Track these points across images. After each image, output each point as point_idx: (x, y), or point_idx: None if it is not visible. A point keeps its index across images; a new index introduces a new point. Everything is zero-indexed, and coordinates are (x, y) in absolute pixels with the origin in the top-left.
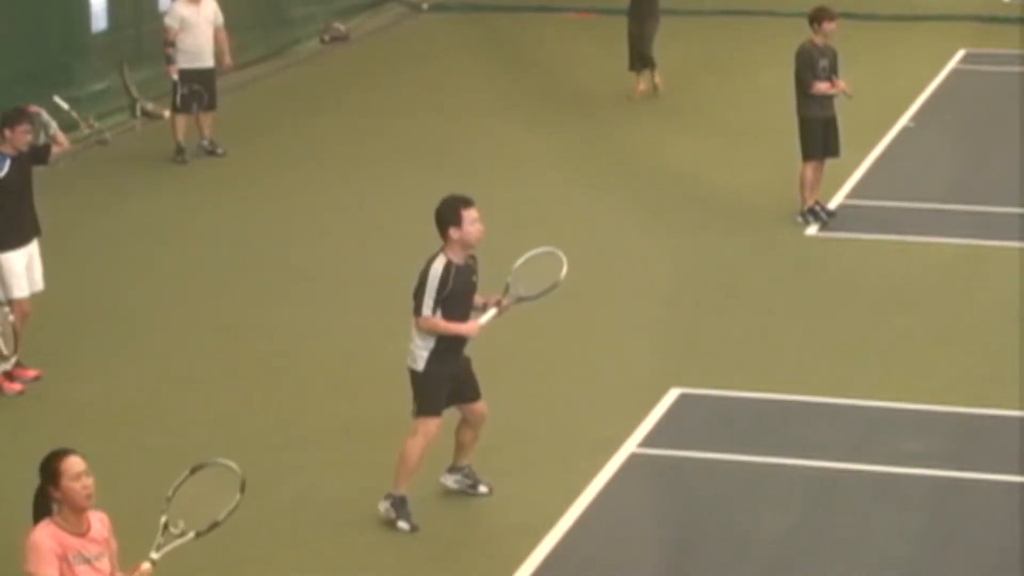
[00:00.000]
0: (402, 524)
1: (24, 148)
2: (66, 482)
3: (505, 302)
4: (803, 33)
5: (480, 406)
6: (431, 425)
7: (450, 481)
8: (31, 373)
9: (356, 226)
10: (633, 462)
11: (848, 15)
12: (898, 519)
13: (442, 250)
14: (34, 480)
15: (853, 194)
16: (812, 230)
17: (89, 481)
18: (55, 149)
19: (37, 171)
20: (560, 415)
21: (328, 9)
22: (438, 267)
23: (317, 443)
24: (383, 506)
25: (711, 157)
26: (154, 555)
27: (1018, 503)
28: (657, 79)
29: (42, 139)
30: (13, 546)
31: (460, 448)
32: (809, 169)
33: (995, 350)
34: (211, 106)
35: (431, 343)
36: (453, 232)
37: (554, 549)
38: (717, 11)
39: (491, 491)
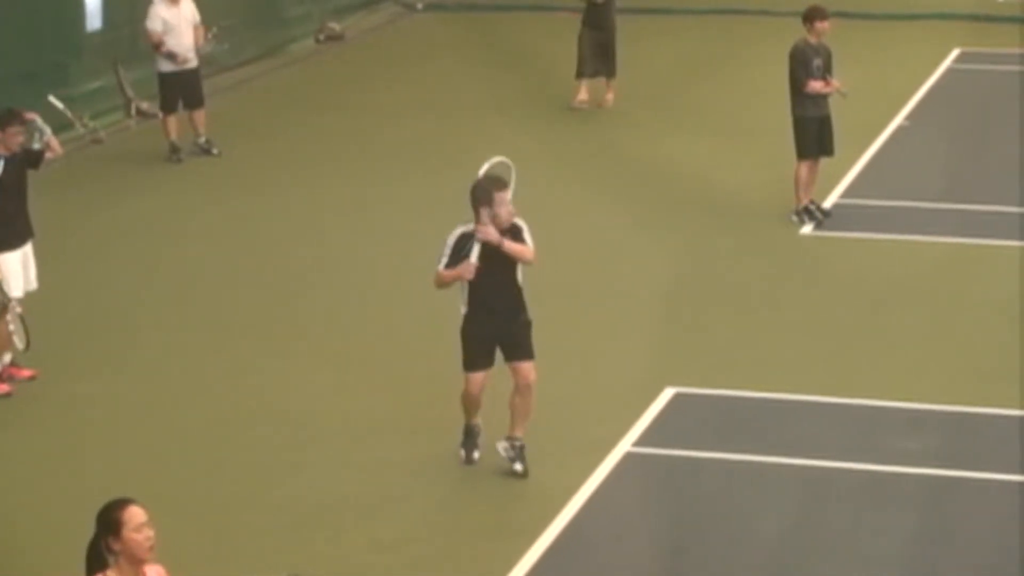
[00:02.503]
0: (461, 451)
1: (17, 149)
2: (128, 533)
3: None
4: (797, 32)
5: (525, 367)
6: (469, 382)
7: (500, 448)
8: (26, 373)
9: (352, 224)
10: (628, 461)
11: (843, 14)
12: (893, 518)
13: (474, 221)
14: (30, 480)
15: (848, 193)
16: (807, 229)
17: (151, 532)
18: (48, 155)
19: (31, 171)
20: (555, 414)
21: (323, 8)
22: (457, 232)
23: (315, 442)
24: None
25: (706, 156)
26: None
27: (1014, 502)
28: (581, 98)
29: (36, 145)
30: (9, 543)
31: (512, 416)
32: (804, 168)
33: (990, 349)
34: (198, 104)
35: (464, 306)
36: (484, 213)
37: (549, 548)
38: (711, 10)
39: (524, 473)
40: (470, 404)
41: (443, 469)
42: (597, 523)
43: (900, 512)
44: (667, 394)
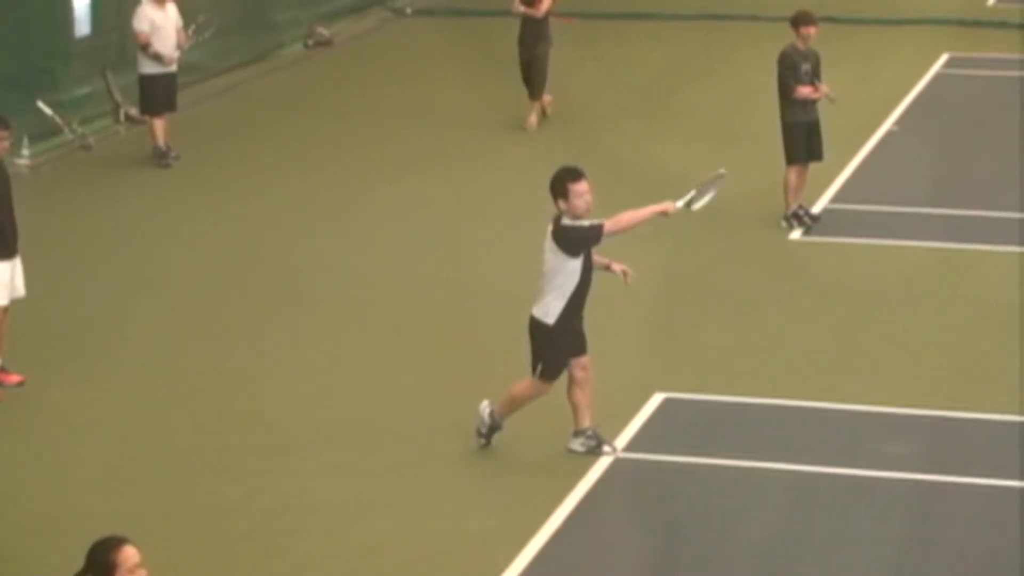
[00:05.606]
0: (480, 440)
1: (3, 155)
2: (123, 575)
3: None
4: (786, 37)
5: (586, 360)
6: (546, 387)
7: (576, 445)
8: (14, 378)
9: (340, 230)
10: (617, 466)
11: (832, 19)
12: (880, 523)
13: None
14: (16, 486)
15: (837, 198)
16: (796, 234)
17: (145, 573)
18: None
19: (19, 175)
20: (545, 419)
21: (312, 14)
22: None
23: (302, 448)
24: (485, 410)
25: (695, 161)
26: None
27: (1000, 507)
28: (546, 100)
29: (25, 150)
30: None
31: (576, 411)
32: (793, 173)
33: (977, 353)
34: (170, 108)
35: (567, 294)
36: (561, 204)
37: (538, 554)
38: (699, 15)
39: (615, 451)
40: (521, 406)
41: (432, 474)
42: (586, 529)
43: (887, 517)
44: (656, 399)
